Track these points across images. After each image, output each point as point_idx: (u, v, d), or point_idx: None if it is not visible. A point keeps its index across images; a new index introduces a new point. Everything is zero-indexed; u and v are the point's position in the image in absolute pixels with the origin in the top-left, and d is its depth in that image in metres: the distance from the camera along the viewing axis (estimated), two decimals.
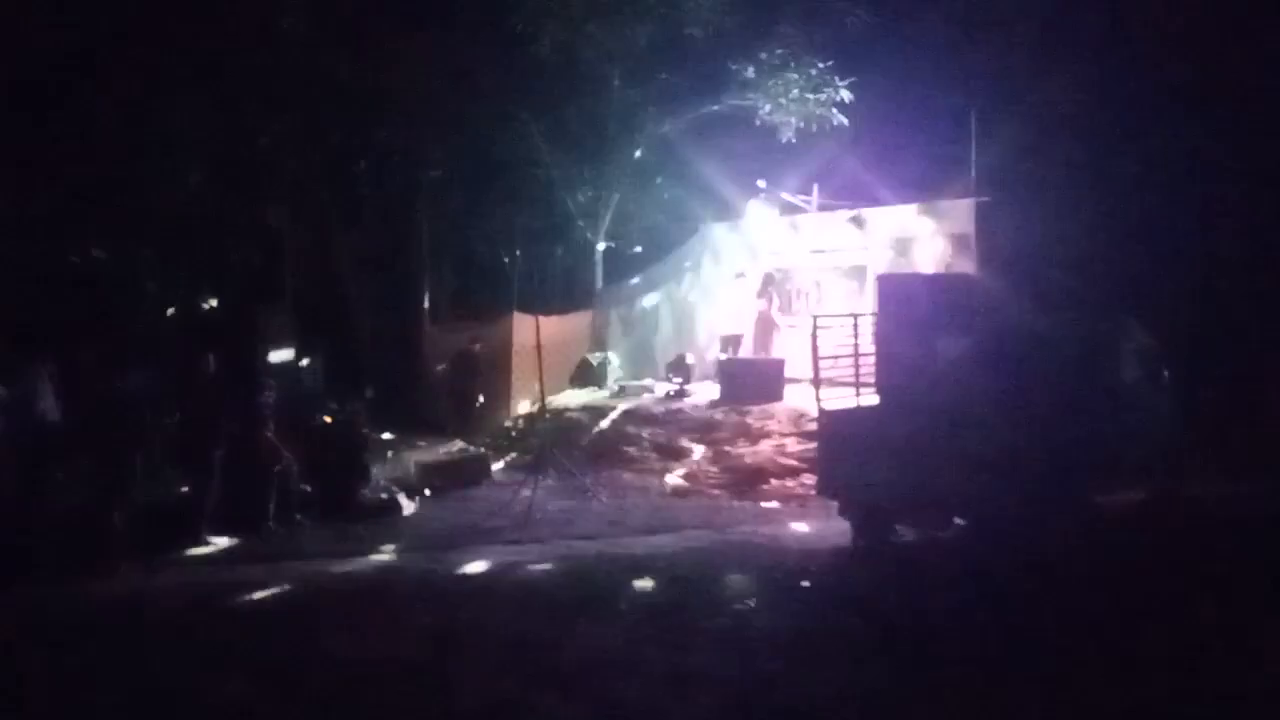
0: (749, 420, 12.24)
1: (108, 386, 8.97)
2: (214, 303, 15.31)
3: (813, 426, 10.15)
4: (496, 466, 12.11)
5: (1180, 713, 4.78)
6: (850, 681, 5.24)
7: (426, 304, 19.06)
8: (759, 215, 15.44)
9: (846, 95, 15.59)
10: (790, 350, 14.42)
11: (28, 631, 6.45)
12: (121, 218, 14.42)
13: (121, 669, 5.67)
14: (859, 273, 14.16)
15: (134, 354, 10.82)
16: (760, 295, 14.69)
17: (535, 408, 13.35)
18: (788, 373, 13.43)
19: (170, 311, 14.62)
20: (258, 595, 7.24)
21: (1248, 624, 5.78)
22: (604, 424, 13.23)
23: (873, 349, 8.58)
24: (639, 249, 19.54)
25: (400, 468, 11.56)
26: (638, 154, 17.30)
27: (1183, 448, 8.62)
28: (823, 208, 15.18)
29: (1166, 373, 8.61)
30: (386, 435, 13.59)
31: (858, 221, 13.93)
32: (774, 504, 10.16)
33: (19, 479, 8.06)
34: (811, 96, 15.59)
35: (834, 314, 13.45)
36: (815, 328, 9.53)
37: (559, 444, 11.44)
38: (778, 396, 12.87)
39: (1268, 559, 6.91)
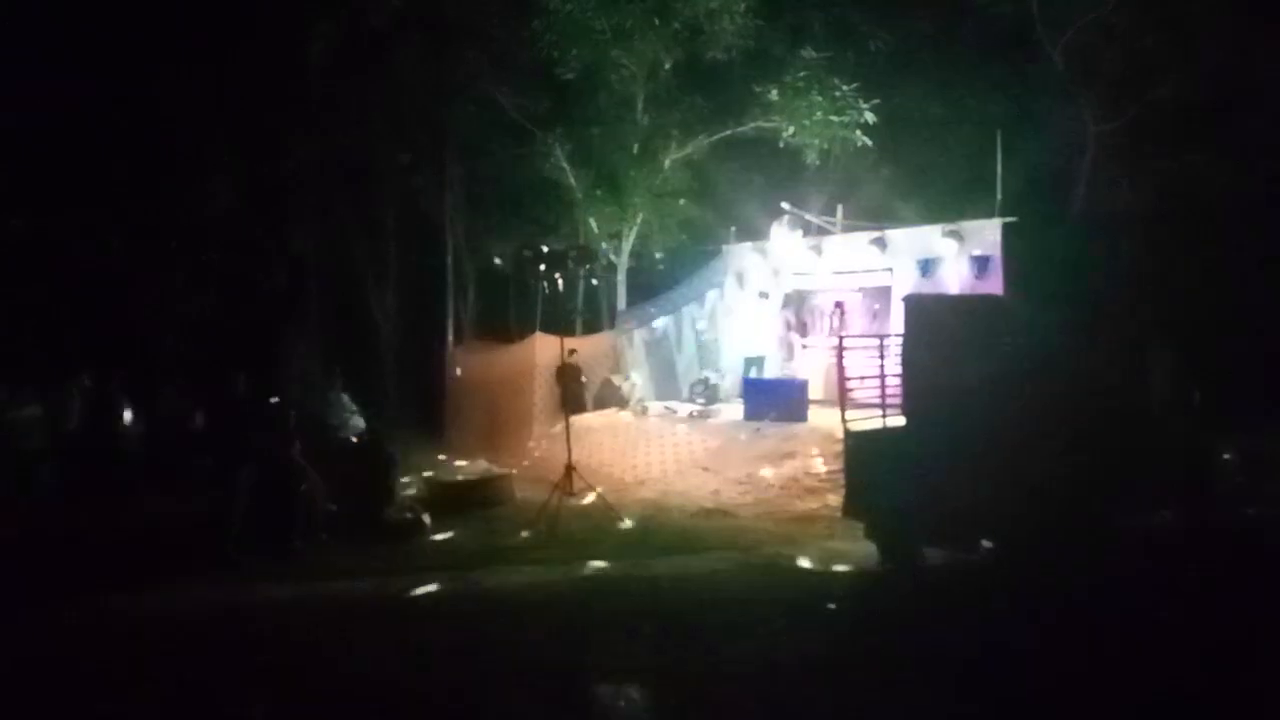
0: (773, 441, 12.19)
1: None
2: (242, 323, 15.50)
3: (838, 447, 10.10)
4: (519, 486, 12.10)
5: None
6: (876, 708, 5.18)
7: (450, 324, 19.17)
8: (782, 236, 15.44)
9: (870, 117, 15.60)
10: (814, 371, 14.41)
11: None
12: (151, 240, 14.64)
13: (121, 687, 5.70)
14: (883, 294, 14.12)
15: (164, 373, 10.96)
16: (780, 316, 14.74)
17: (559, 427, 13.36)
18: (811, 394, 13.40)
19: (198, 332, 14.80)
20: (281, 615, 7.27)
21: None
22: (628, 445, 13.22)
23: (899, 370, 8.53)
24: (662, 270, 19.59)
25: (424, 487, 11.57)
26: (661, 175, 17.36)
27: (1213, 472, 8.51)
28: (847, 229, 15.15)
29: (1197, 395, 8.51)
30: (410, 454, 13.63)
31: (881, 242, 13.89)
32: (799, 525, 10.09)
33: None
34: (835, 119, 15.60)
35: (860, 335, 13.47)
36: (841, 349, 9.51)
37: (582, 464, 11.42)
38: (802, 417, 12.82)
39: None
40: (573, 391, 14.79)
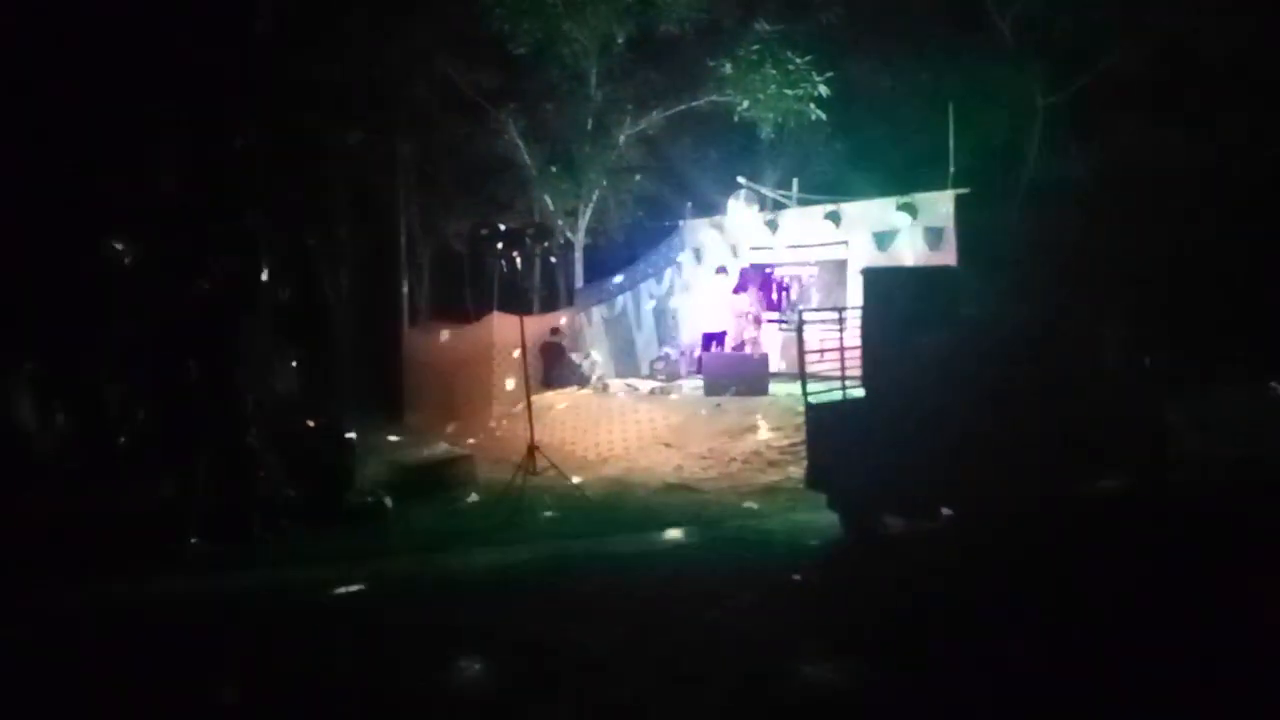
0: (735, 415, 12.25)
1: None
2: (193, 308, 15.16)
3: (799, 420, 10.17)
4: (481, 467, 12.04)
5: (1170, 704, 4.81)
6: (842, 678, 5.24)
7: (405, 305, 18.97)
8: (739, 211, 15.45)
9: (824, 90, 15.63)
10: (773, 345, 14.49)
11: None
12: (96, 222, 14.24)
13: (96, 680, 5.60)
14: (839, 267, 14.21)
15: (116, 360, 10.71)
16: (738, 291, 14.80)
17: (519, 407, 13.32)
18: (771, 367, 13.49)
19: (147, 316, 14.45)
20: (242, 603, 7.17)
21: (1235, 609, 5.84)
22: (589, 423, 13.20)
23: (858, 343, 8.60)
24: (619, 246, 19.54)
25: (385, 470, 11.46)
26: (616, 151, 17.28)
27: (1166, 436, 8.70)
28: (802, 202, 15.21)
29: (1148, 360, 8.69)
30: (369, 437, 13.47)
31: (836, 216, 13.96)
32: (762, 498, 10.17)
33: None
34: (789, 92, 15.63)
35: (820, 309, 13.56)
36: (801, 322, 9.56)
37: (544, 443, 11.39)
38: (763, 391, 12.91)
39: (1251, 545, 7.00)
40: (556, 368, 15.29)
